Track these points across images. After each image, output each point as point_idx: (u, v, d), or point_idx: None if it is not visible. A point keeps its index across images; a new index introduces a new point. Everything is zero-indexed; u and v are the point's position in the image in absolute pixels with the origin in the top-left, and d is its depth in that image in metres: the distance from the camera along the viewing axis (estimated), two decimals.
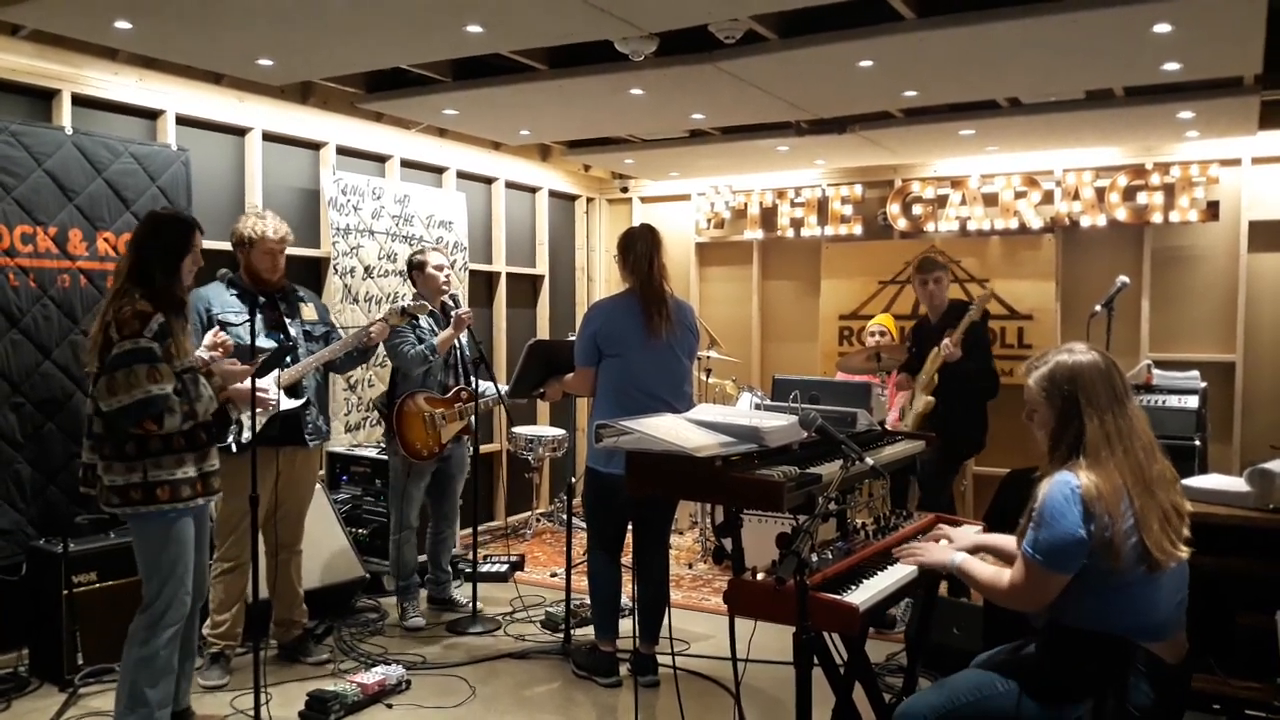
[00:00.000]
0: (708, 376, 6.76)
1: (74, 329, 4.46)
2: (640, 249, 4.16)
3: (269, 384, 3.99)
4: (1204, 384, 5.65)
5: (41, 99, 4.54)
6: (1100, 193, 6.49)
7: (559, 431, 6.90)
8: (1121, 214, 6.43)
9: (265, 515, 4.17)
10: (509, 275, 7.30)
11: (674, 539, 6.09)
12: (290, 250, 4.44)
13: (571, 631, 4.74)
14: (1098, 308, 4.97)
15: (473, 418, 5.04)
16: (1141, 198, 6.38)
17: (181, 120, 5.05)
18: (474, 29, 4.03)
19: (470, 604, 5.02)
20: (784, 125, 6.02)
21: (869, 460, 2.72)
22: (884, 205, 7.19)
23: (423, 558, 5.28)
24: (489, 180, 7.16)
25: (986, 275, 6.78)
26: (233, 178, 5.38)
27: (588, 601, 4.53)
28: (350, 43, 4.29)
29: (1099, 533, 2.29)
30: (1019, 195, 6.72)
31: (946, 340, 5.02)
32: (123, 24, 4.02)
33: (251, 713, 3.59)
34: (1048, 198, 6.66)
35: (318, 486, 4.88)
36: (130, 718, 3.31)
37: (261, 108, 5.44)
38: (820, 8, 4.16)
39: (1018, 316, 6.61)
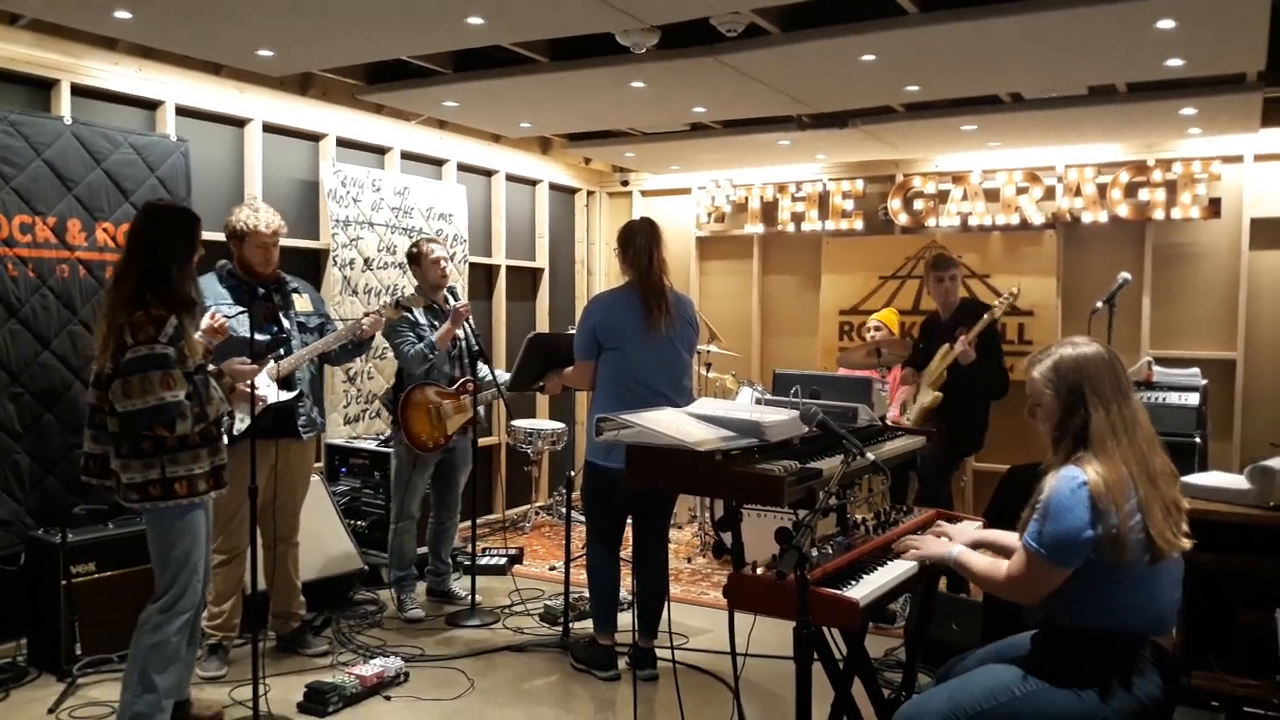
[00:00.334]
0: (708, 371, 6.75)
1: (72, 319, 4.45)
2: (640, 242, 4.15)
3: (261, 377, 3.98)
4: (1205, 381, 5.65)
5: (40, 89, 4.52)
6: (1102, 189, 6.48)
7: (558, 425, 6.90)
8: (1123, 210, 6.42)
9: (261, 507, 4.16)
10: (509, 268, 7.29)
11: (673, 533, 6.08)
12: (289, 242, 4.43)
13: (570, 625, 4.74)
14: (1099, 304, 4.97)
15: (481, 408, 5.03)
16: (1143, 194, 6.37)
17: (181, 111, 5.04)
18: (475, 20, 4.01)
19: (469, 597, 5.02)
20: (785, 119, 6.01)
21: (870, 455, 2.72)
22: (885, 200, 7.18)
23: (423, 549, 5.28)
24: (489, 173, 7.14)
25: (988, 271, 6.78)
26: (232, 169, 5.37)
27: (586, 595, 4.53)
28: (351, 34, 4.27)
29: (1105, 529, 2.28)
30: (1020, 191, 6.71)
31: (962, 339, 5.00)
32: (122, 14, 4.00)
33: (250, 704, 3.59)
34: (1049, 194, 6.65)
35: (316, 478, 4.88)
36: (139, 704, 3.32)
37: (261, 99, 5.42)
38: (823, 1, 4.15)
39: (1018, 313, 6.59)
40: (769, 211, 7.59)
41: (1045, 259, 6.63)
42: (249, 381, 3.56)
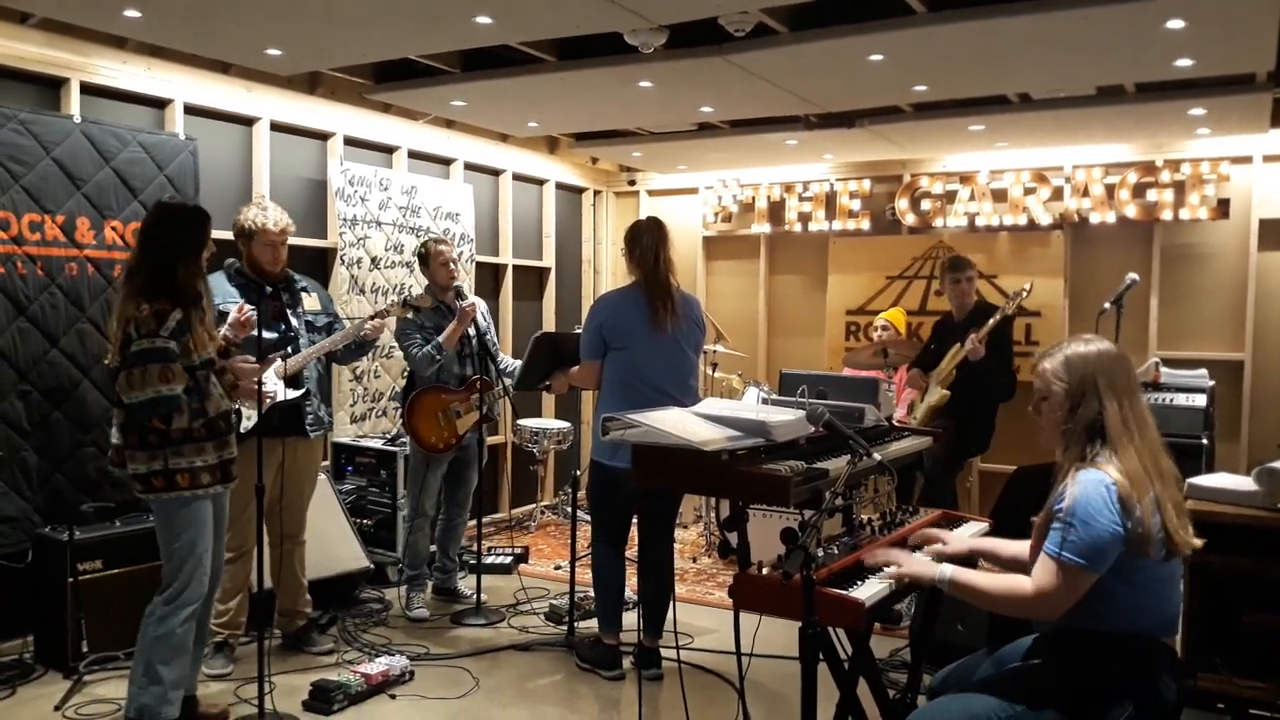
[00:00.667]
0: (714, 371, 6.75)
1: (81, 317, 4.46)
2: (646, 242, 4.15)
3: (267, 375, 4.00)
4: (1212, 382, 5.62)
5: (50, 87, 4.54)
6: (1110, 189, 6.46)
7: (564, 424, 6.90)
8: (1131, 211, 6.40)
9: (268, 505, 4.18)
10: (515, 268, 7.29)
11: (678, 533, 6.08)
12: (297, 240, 4.44)
13: (575, 624, 4.74)
14: (1107, 305, 4.95)
15: (499, 403, 5.03)
16: (1151, 195, 6.35)
17: (189, 110, 5.05)
18: (483, 20, 4.02)
19: (474, 595, 5.03)
20: (793, 119, 6.00)
21: (876, 456, 2.71)
22: (892, 200, 7.17)
23: (431, 547, 5.29)
24: (496, 172, 7.15)
25: (995, 271, 6.76)
26: (240, 167, 5.38)
27: (591, 594, 4.53)
28: (359, 33, 4.28)
29: (1134, 526, 2.25)
30: (1028, 191, 6.70)
31: (973, 336, 4.99)
32: (131, 12, 4.01)
33: (255, 702, 3.60)
34: (1057, 194, 6.64)
35: (322, 477, 4.88)
36: (145, 696, 3.34)
37: (269, 97, 5.44)
38: (831, 1, 4.15)
39: (1025, 313, 6.58)
40: (776, 211, 7.59)
41: (1053, 259, 6.62)
42: (257, 379, 3.58)
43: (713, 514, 6.31)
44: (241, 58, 4.87)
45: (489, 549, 5.89)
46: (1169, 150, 6.34)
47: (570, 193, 8.00)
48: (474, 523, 5.27)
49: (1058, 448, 2.45)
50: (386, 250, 6.07)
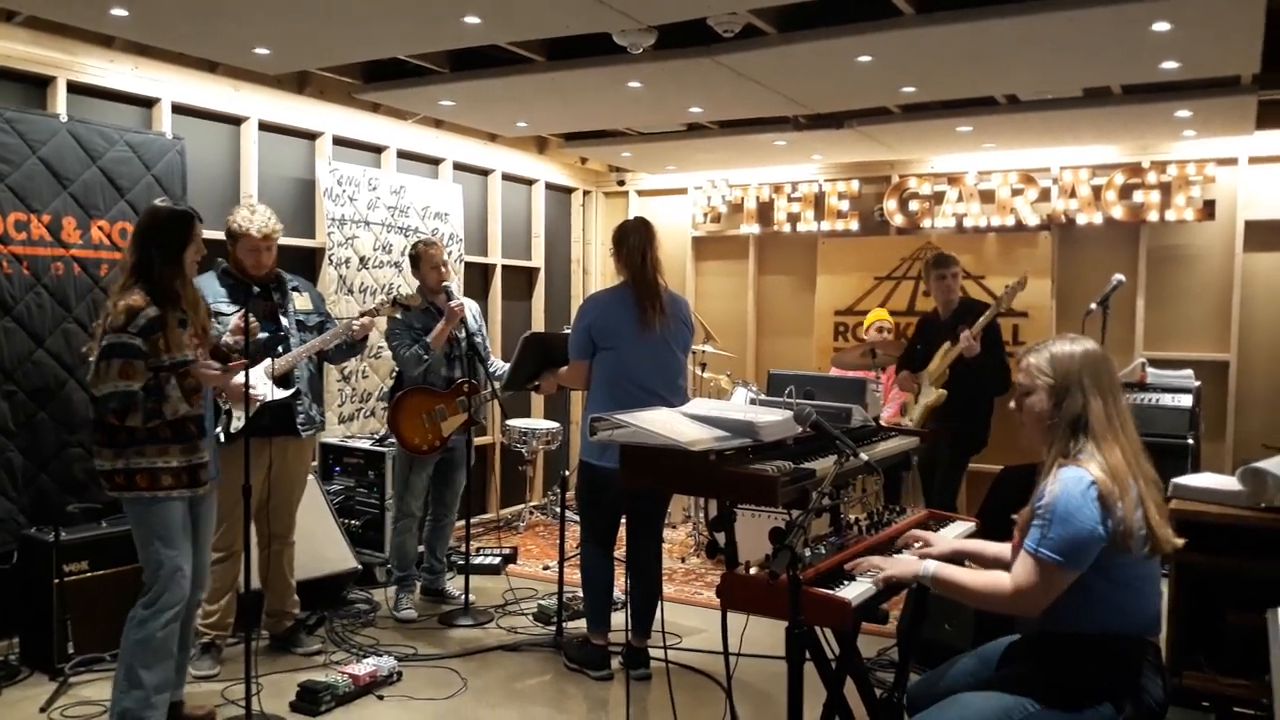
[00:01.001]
0: (703, 371, 6.76)
1: (67, 317, 4.44)
2: (633, 241, 4.15)
3: (257, 375, 3.98)
4: (1198, 383, 5.66)
5: (36, 86, 4.52)
6: (1097, 191, 6.49)
7: (553, 424, 6.90)
8: (1118, 212, 6.43)
9: (257, 506, 4.17)
10: (504, 268, 7.28)
11: (667, 533, 6.09)
12: (285, 240, 4.43)
13: (564, 624, 4.74)
14: (1093, 305, 4.98)
15: (486, 405, 5.02)
16: (1138, 196, 6.38)
17: (177, 109, 5.03)
18: (472, 20, 4.01)
19: (463, 596, 5.02)
20: (782, 120, 6.02)
21: (863, 455, 2.72)
22: (881, 201, 7.19)
23: (420, 548, 5.28)
24: (485, 172, 7.14)
25: (983, 272, 6.79)
26: (228, 167, 5.36)
27: (580, 595, 4.53)
28: (347, 32, 4.27)
29: (1115, 523, 2.26)
30: (1016, 192, 6.72)
31: (966, 333, 4.99)
32: (118, 11, 4.00)
33: (242, 703, 3.59)
34: (1044, 195, 6.66)
35: (310, 477, 4.87)
36: (126, 700, 3.33)
37: (257, 97, 5.42)
38: (819, 2, 4.16)
39: (1013, 313, 6.60)
40: (765, 212, 7.60)
41: (1040, 260, 6.64)
42: (246, 379, 3.56)
43: (701, 514, 6.32)
44: (229, 57, 4.85)
45: (477, 549, 5.88)
46: (1155, 152, 6.38)
47: (559, 193, 7.99)
48: (462, 523, 5.27)
49: (1041, 445, 2.46)
50: (375, 250, 6.06)
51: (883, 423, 4.03)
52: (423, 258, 4.96)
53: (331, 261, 5.78)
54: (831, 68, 4.72)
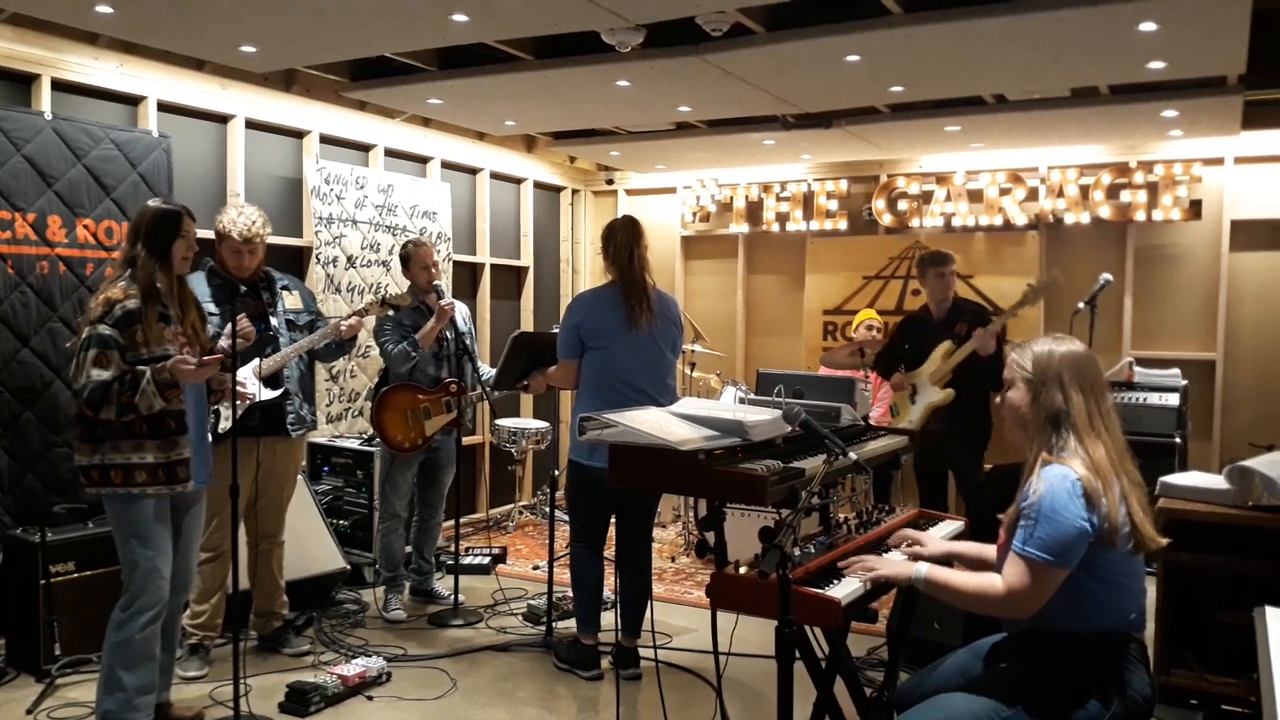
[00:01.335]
0: (692, 370, 6.76)
1: (52, 316, 4.42)
2: (621, 239, 4.14)
3: (245, 376, 3.97)
4: (1185, 382, 5.69)
5: (21, 83, 4.49)
6: (1084, 190, 6.52)
7: (542, 424, 6.89)
8: (1105, 212, 6.46)
9: (246, 505, 4.15)
10: (493, 267, 7.27)
11: (656, 532, 6.08)
12: (272, 239, 4.41)
13: (553, 624, 4.73)
14: (1081, 305, 4.99)
15: (472, 408, 5.00)
16: (1125, 196, 6.41)
17: (163, 107, 5.00)
18: (460, 18, 4.00)
19: (452, 596, 5.01)
20: (770, 119, 6.02)
21: (852, 455, 2.72)
22: (869, 201, 7.20)
23: (408, 549, 5.26)
24: (474, 171, 7.13)
25: (971, 271, 6.80)
26: (215, 165, 5.34)
27: (570, 594, 4.52)
28: (335, 30, 4.25)
29: (1100, 518, 2.26)
30: (1004, 192, 6.75)
31: (981, 331, 4.90)
32: (103, 8, 3.97)
33: (230, 704, 3.57)
34: (1032, 195, 6.69)
35: (299, 477, 4.85)
36: (108, 702, 3.32)
37: (244, 95, 5.40)
38: (808, 1, 4.16)
39: (1001, 313, 6.62)
40: (754, 211, 7.61)
41: (1028, 260, 6.67)
42: (232, 383, 3.54)
43: (691, 513, 6.32)
44: (215, 55, 4.83)
45: (467, 549, 5.87)
46: (1142, 152, 6.41)
47: (548, 191, 7.98)
48: (451, 523, 5.25)
49: (1021, 441, 2.48)
50: (362, 249, 6.04)
51: (872, 422, 4.03)
52: (413, 257, 4.95)
53: (319, 260, 5.76)
54: (820, 67, 4.73)
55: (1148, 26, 3.97)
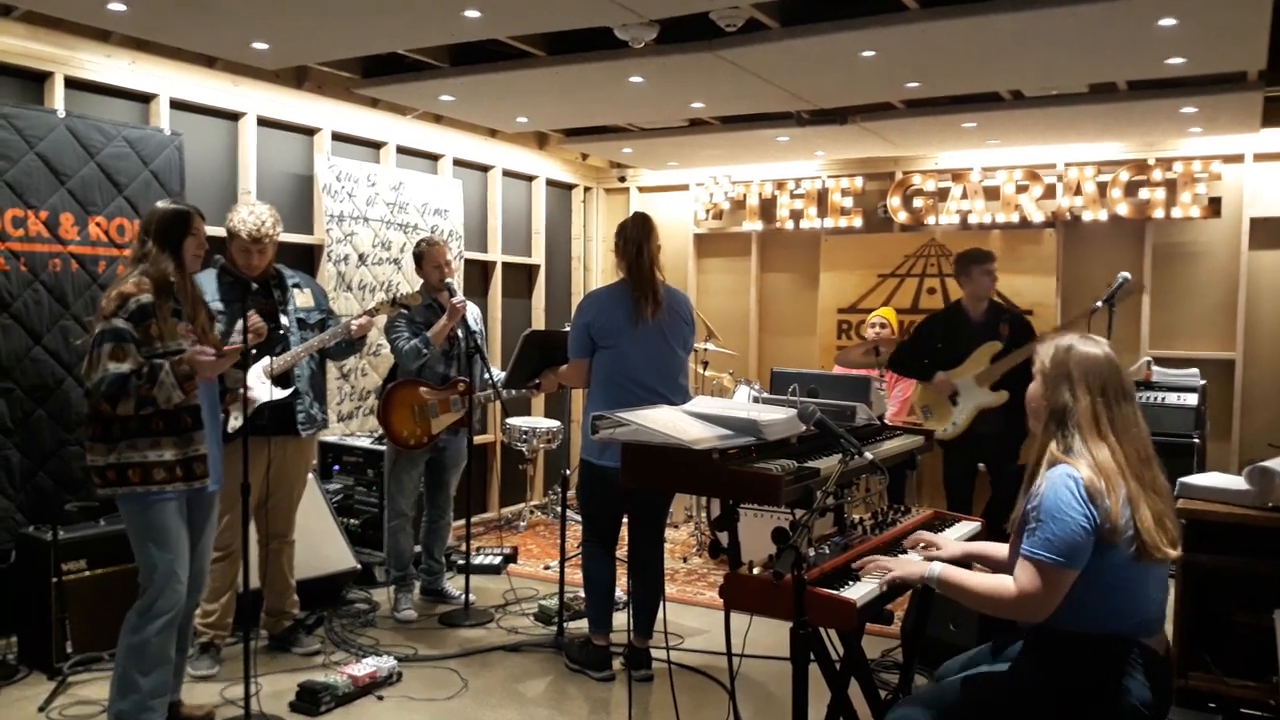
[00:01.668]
0: (705, 369, 6.73)
1: (65, 314, 4.42)
2: (630, 234, 4.12)
3: (254, 376, 3.95)
4: (1203, 381, 5.63)
5: (34, 81, 4.49)
6: (1102, 187, 6.46)
7: (553, 423, 6.87)
8: (1123, 209, 6.40)
9: (256, 504, 4.14)
10: (504, 264, 7.25)
11: (669, 532, 6.06)
12: (284, 237, 4.39)
13: (565, 625, 4.71)
14: (1099, 304, 4.93)
15: (483, 407, 4.98)
16: (1143, 193, 6.35)
17: (175, 104, 5.00)
18: (472, 14, 3.98)
19: (463, 596, 5.00)
20: (784, 115, 5.98)
21: (868, 455, 2.69)
22: (884, 198, 7.16)
23: (417, 548, 5.25)
24: (485, 168, 7.11)
25: None
26: (226, 163, 5.33)
27: (581, 595, 4.50)
28: (346, 27, 4.24)
29: (1103, 520, 2.24)
30: (1020, 189, 6.69)
31: (1050, 333, 4.83)
32: (116, 6, 3.97)
33: (241, 703, 3.56)
34: (1049, 192, 6.63)
35: (310, 476, 4.84)
36: (122, 704, 3.30)
37: (256, 92, 5.39)
38: None
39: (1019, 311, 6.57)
40: (767, 208, 7.57)
41: (1045, 258, 6.61)
42: (244, 381, 3.54)
43: (703, 513, 6.29)
44: (227, 52, 4.83)
45: (478, 549, 5.86)
46: (1161, 149, 6.34)
47: (560, 189, 7.96)
48: (461, 523, 5.23)
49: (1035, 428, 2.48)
50: (374, 247, 6.03)
51: (887, 421, 4.00)
52: (426, 256, 4.94)
53: (330, 258, 5.75)
54: (835, 63, 4.69)
55: (1167, 22, 3.93)
